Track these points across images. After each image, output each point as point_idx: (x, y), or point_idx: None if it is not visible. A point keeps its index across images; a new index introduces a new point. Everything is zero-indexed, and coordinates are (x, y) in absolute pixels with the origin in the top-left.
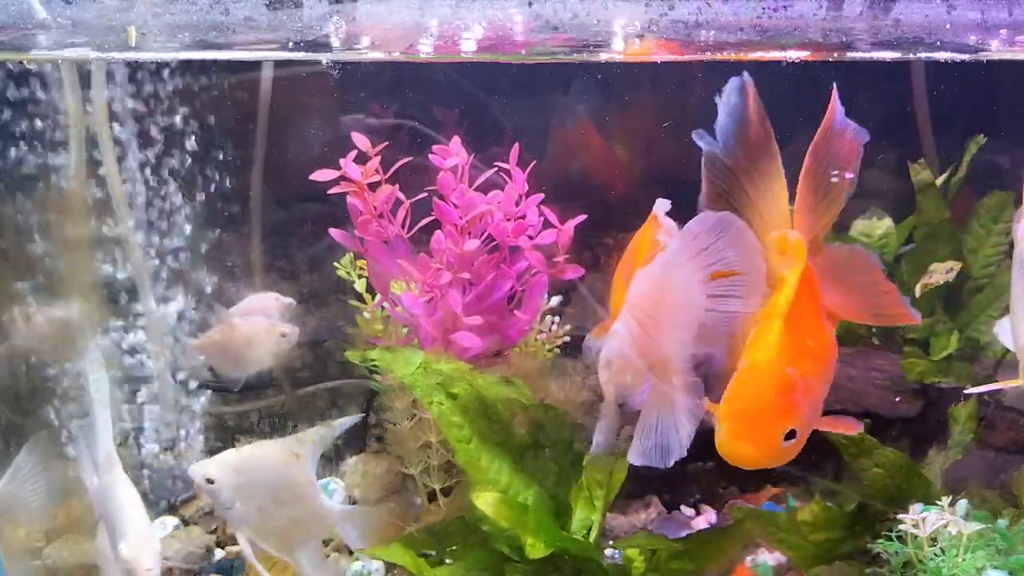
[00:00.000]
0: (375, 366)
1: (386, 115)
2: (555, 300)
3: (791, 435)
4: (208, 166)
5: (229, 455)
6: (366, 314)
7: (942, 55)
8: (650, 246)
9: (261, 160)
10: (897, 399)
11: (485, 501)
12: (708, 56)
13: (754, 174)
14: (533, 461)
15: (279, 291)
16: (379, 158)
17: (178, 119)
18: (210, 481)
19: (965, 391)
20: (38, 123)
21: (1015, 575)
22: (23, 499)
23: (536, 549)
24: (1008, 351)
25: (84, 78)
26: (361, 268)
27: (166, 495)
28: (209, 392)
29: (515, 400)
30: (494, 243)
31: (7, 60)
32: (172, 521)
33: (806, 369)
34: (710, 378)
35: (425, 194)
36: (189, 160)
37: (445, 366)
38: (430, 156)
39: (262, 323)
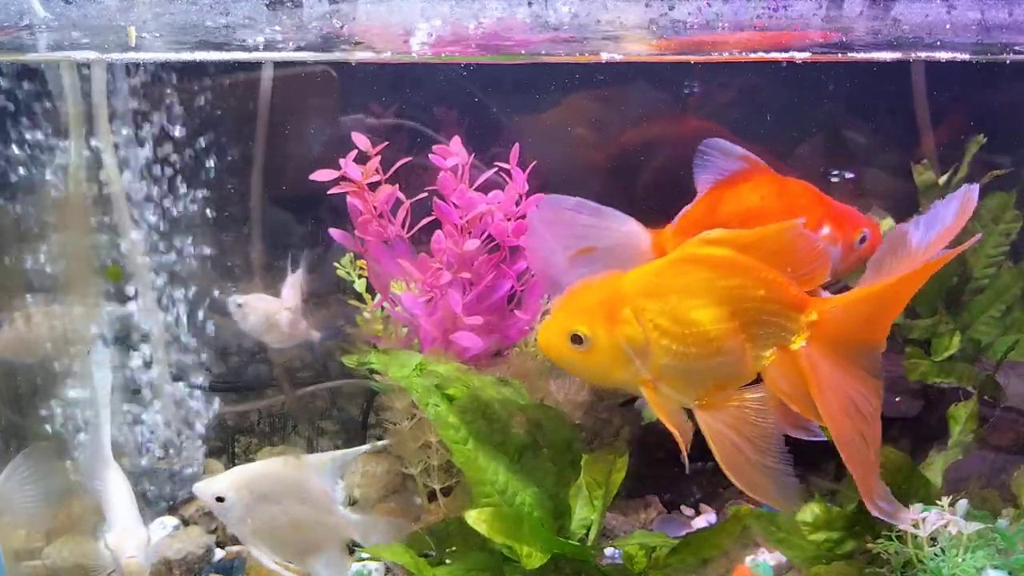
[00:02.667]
0: (374, 367)
1: (386, 115)
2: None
3: (578, 340)
4: (207, 166)
5: (237, 472)
6: (366, 314)
7: (942, 55)
8: None
9: (260, 160)
10: (897, 399)
11: (478, 519)
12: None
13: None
14: (532, 461)
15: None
16: (379, 158)
17: (179, 119)
18: (220, 499)
19: None
20: (36, 123)
21: (1015, 575)
22: (16, 503)
23: (532, 559)
24: (1008, 351)
25: (84, 78)
26: (361, 268)
27: (165, 495)
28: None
29: (513, 400)
30: (494, 243)
31: (7, 60)
32: (172, 521)
33: (655, 323)
34: None
35: (425, 194)
36: (188, 161)
37: (442, 367)
38: (430, 156)
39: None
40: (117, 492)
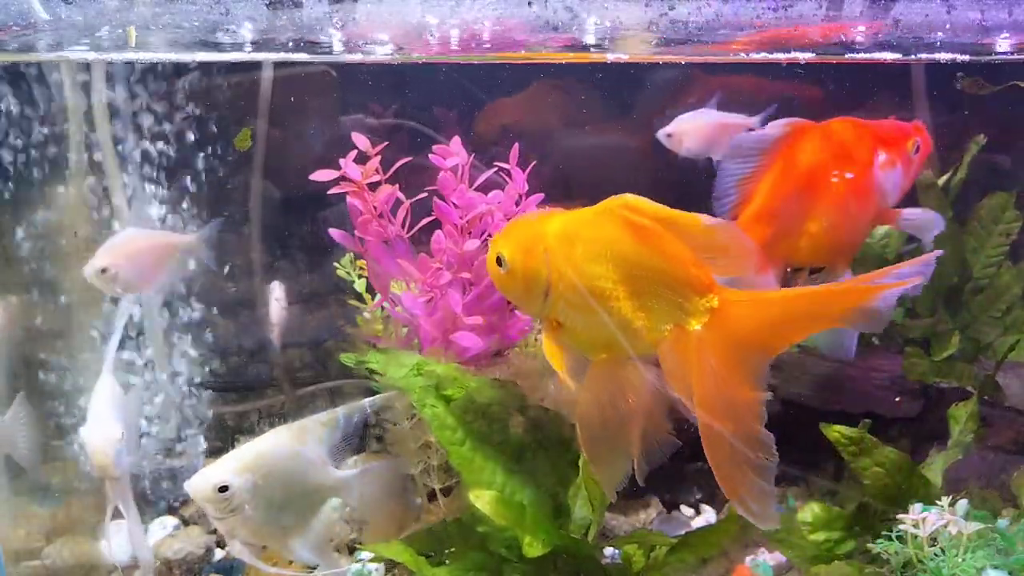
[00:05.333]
0: (372, 368)
1: (386, 115)
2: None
3: (499, 263)
4: (207, 165)
5: (236, 456)
6: (366, 314)
7: (942, 55)
8: None
9: (261, 159)
10: (897, 399)
11: (483, 500)
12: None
13: None
14: (531, 461)
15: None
16: (379, 158)
17: (179, 119)
18: (224, 489)
19: None
20: (37, 122)
21: (1015, 575)
22: (18, 438)
23: (534, 548)
24: (1008, 351)
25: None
26: (361, 268)
27: (165, 495)
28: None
29: (512, 400)
30: None
31: (7, 60)
32: (172, 521)
33: (558, 266)
34: None
35: (425, 194)
36: (188, 160)
37: (440, 368)
38: (430, 156)
39: (107, 244)
40: (100, 393)
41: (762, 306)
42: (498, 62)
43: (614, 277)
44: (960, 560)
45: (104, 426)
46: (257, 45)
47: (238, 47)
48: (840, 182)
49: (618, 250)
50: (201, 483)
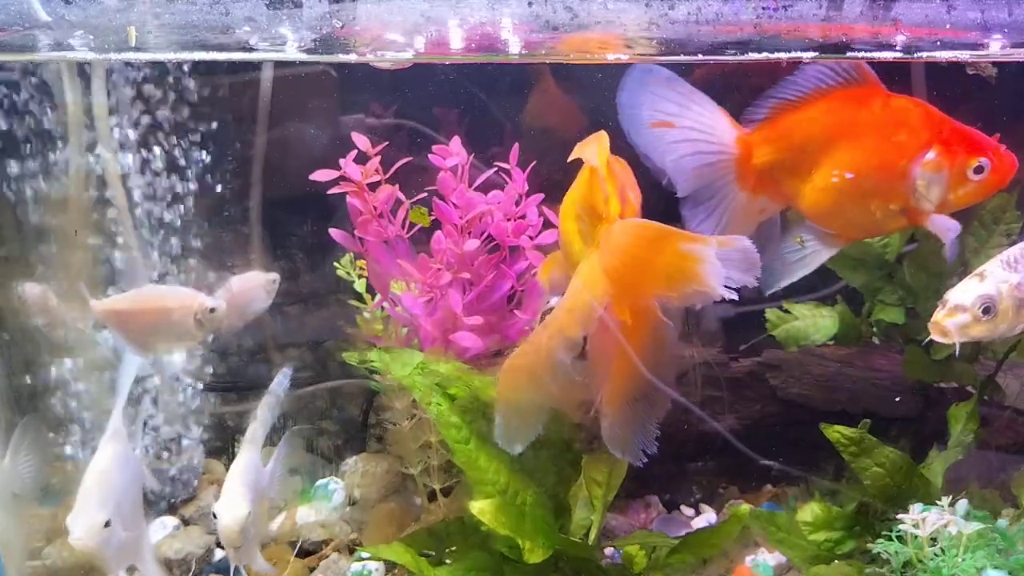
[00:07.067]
0: (374, 367)
1: (386, 115)
2: (555, 300)
3: None
4: (208, 166)
5: (234, 485)
6: (366, 314)
7: (942, 55)
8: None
9: (261, 160)
10: (897, 399)
11: (481, 509)
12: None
13: None
14: (532, 461)
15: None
16: (379, 158)
17: (179, 119)
18: (248, 514)
19: None
20: (37, 122)
21: (1015, 575)
22: (24, 474)
23: (534, 554)
24: (1009, 351)
25: (84, 77)
26: (361, 268)
27: (165, 495)
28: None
29: None
30: (494, 243)
31: (7, 60)
32: (172, 521)
33: None
34: None
35: (425, 194)
36: (189, 160)
37: (443, 367)
38: (430, 156)
39: (183, 293)
40: (91, 471)
41: (626, 230)
42: (497, 62)
43: (568, 199)
44: (960, 560)
45: (88, 513)
46: (254, 47)
47: (239, 47)
48: (869, 154)
49: (581, 177)
50: (233, 518)
